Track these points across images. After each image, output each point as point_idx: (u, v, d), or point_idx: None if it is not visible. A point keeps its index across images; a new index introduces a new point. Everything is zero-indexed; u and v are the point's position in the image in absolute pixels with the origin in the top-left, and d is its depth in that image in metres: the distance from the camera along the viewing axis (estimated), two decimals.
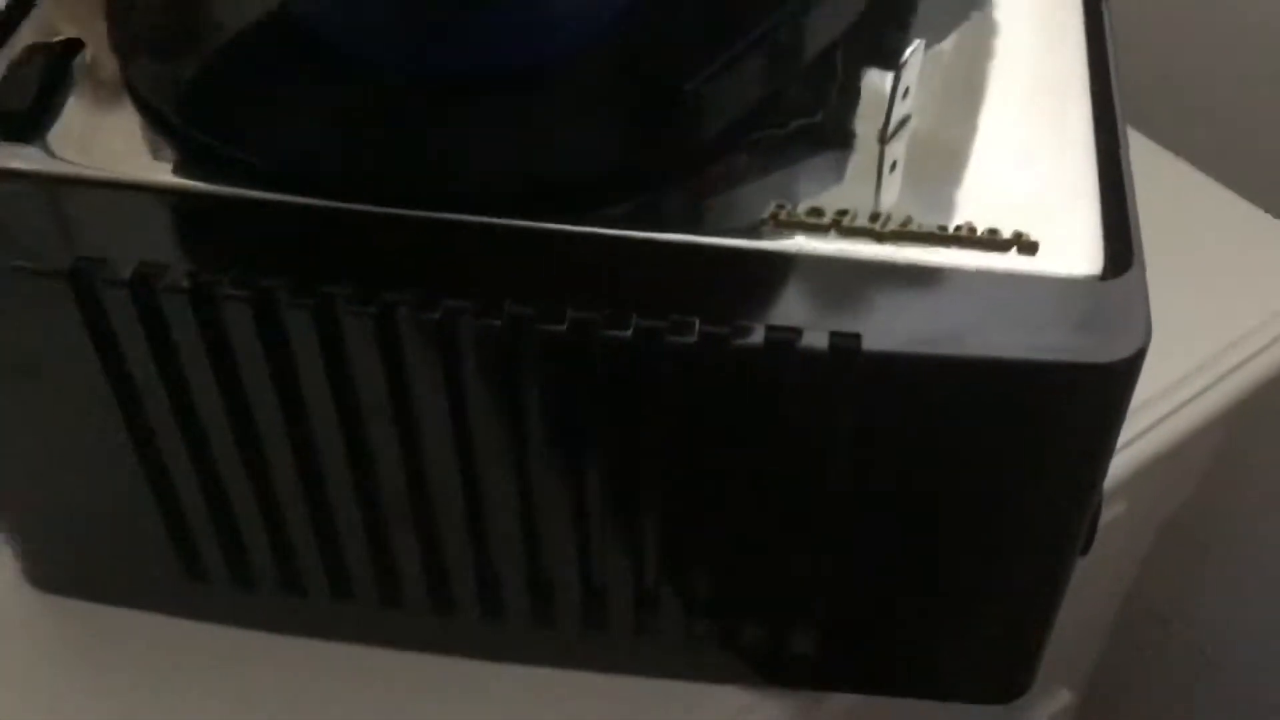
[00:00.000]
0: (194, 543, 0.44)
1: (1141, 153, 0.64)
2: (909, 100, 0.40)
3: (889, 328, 0.35)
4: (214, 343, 0.37)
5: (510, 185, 0.37)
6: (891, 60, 0.38)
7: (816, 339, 0.34)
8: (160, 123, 0.38)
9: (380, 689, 0.47)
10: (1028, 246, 0.37)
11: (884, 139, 0.40)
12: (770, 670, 0.45)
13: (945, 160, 0.39)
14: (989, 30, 0.43)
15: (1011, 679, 0.45)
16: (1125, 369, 0.34)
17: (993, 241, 0.37)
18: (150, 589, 0.47)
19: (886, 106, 0.39)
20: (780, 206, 0.38)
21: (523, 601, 0.43)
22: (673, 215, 0.38)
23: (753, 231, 0.37)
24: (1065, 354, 0.34)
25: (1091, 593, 0.71)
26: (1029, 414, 0.36)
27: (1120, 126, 0.39)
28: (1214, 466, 0.78)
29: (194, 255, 0.37)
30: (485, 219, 0.37)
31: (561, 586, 0.42)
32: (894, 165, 0.40)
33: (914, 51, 0.38)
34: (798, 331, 0.35)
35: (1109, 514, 0.61)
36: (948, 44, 0.43)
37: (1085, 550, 0.43)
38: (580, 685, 0.46)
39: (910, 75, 0.39)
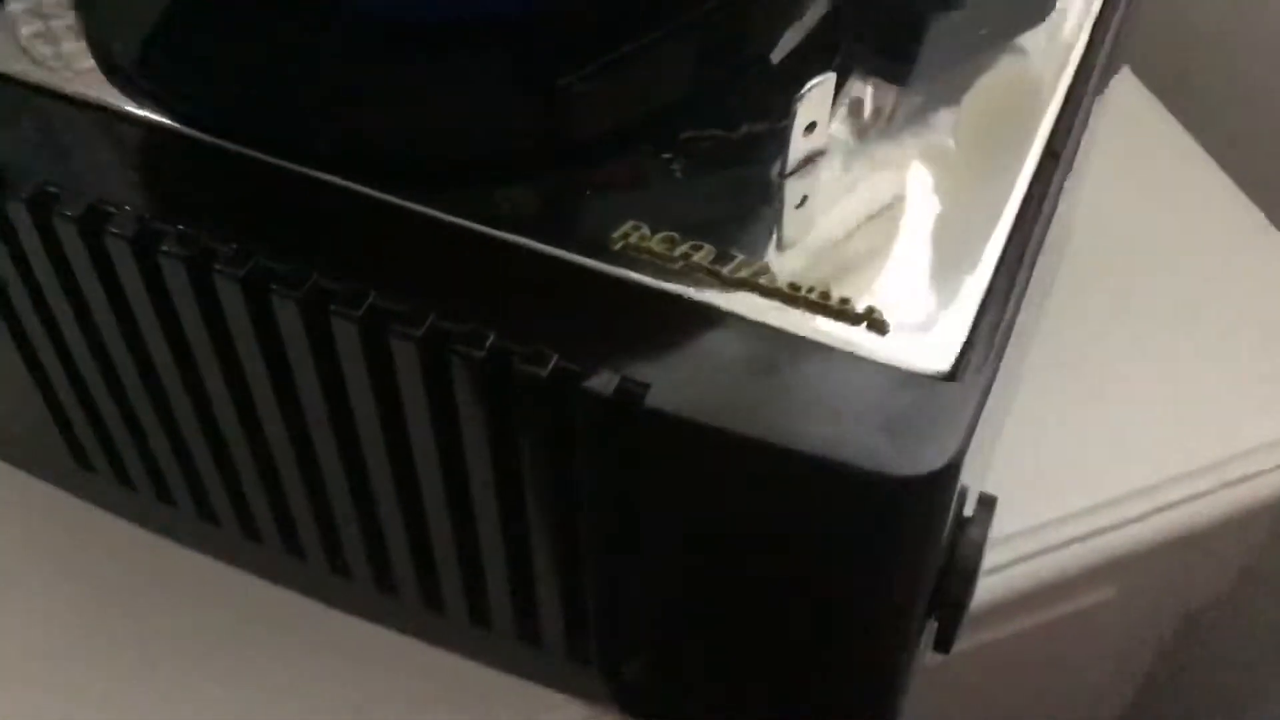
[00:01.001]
0: (81, 442, 0.45)
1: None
2: (819, 136, 0.36)
3: (687, 384, 0.32)
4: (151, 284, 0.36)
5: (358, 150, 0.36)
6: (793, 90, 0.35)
7: (603, 382, 0.32)
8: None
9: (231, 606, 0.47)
10: (877, 325, 0.33)
11: (782, 173, 0.36)
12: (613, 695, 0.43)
13: (835, 216, 0.36)
14: (954, 91, 0.39)
15: None
16: (924, 484, 0.31)
17: (841, 311, 0.33)
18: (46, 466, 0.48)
19: (785, 138, 0.36)
20: (635, 228, 0.35)
21: (363, 568, 0.42)
22: (519, 214, 0.35)
23: (590, 248, 0.34)
24: (862, 456, 0.31)
25: (1085, 677, 0.66)
26: (817, 510, 0.33)
27: (1032, 244, 0.35)
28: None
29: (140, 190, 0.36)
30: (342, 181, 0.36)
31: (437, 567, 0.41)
32: (801, 202, 0.37)
33: (819, 84, 0.35)
34: (586, 371, 0.32)
35: (1095, 597, 0.57)
36: (912, 93, 0.39)
37: (943, 649, 0.40)
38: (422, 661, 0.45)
39: (815, 110, 0.35)
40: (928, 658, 0.40)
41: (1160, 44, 0.72)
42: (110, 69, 0.38)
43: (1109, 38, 0.41)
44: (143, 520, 0.48)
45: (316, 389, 0.35)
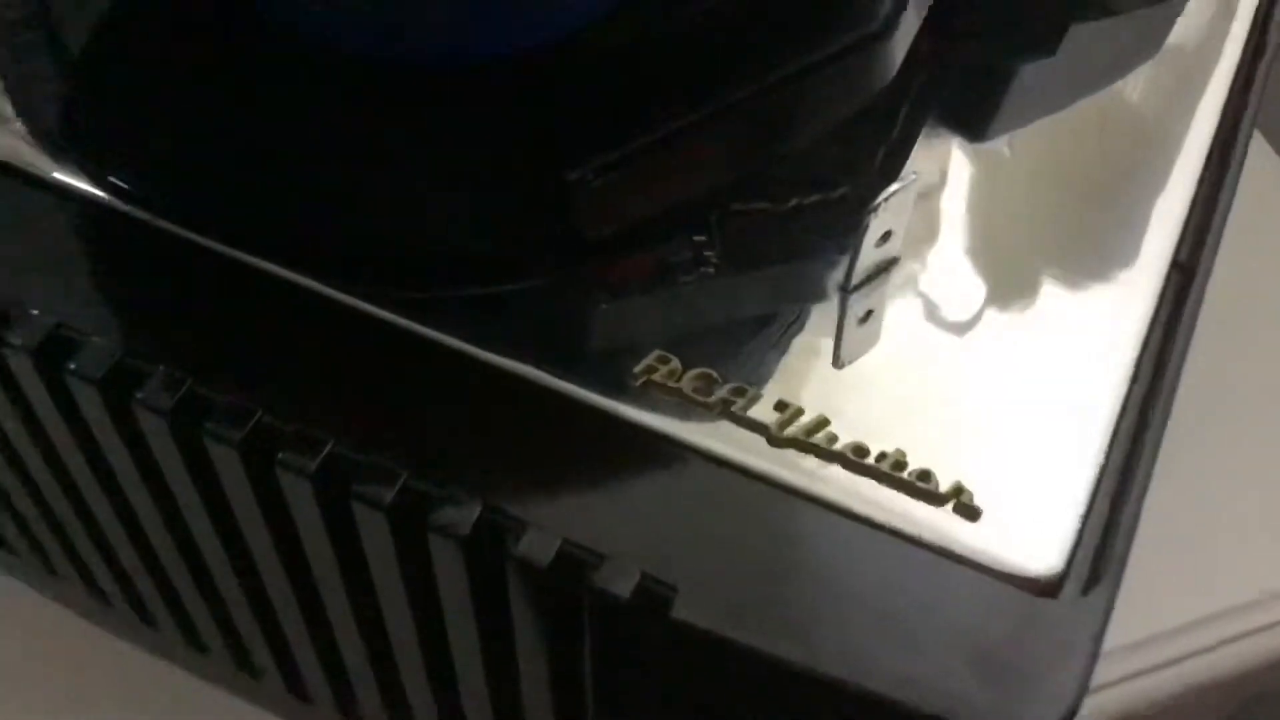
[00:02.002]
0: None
1: None
2: (894, 244, 0.29)
3: (723, 586, 0.25)
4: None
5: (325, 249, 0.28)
6: (865, 194, 0.28)
7: (620, 579, 0.25)
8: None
9: None
10: (967, 509, 0.26)
11: (847, 287, 0.29)
12: None
13: (904, 343, 0.28)
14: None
15: None
16: None
17: (922, 489, 0.26)
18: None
19: (855, 248, 0.28)
20: (663, 361, 0.28)
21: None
22: (517, 334, 0.28)
23: (604, 382, 0.27)
24: (946, 706, 0.24)
25: None
26: None
27: (1163, 394, 0.27)
28: None
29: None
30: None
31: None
32: (866, 316, 0.29)
33: (900, 191, 0.27)
34: (598, 560, 0.25)
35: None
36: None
37: None
38: None
39: (891, 218, 0.28)
40: None
41: None
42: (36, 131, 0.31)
43: (1248, 113, 0.33)
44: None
45: (264, 535, 0.29)
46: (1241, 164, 0.33)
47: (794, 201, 0.31)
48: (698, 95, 0.28)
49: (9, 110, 0.31)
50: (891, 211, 0.28)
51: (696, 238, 0.30)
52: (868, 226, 0.27)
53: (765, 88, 0.28)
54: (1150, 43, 0.36)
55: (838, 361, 0.29)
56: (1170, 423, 0.43)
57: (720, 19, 0.29)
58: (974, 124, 0.34)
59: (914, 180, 0.28)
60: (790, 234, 0.31)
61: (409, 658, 0.30)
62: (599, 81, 0.28)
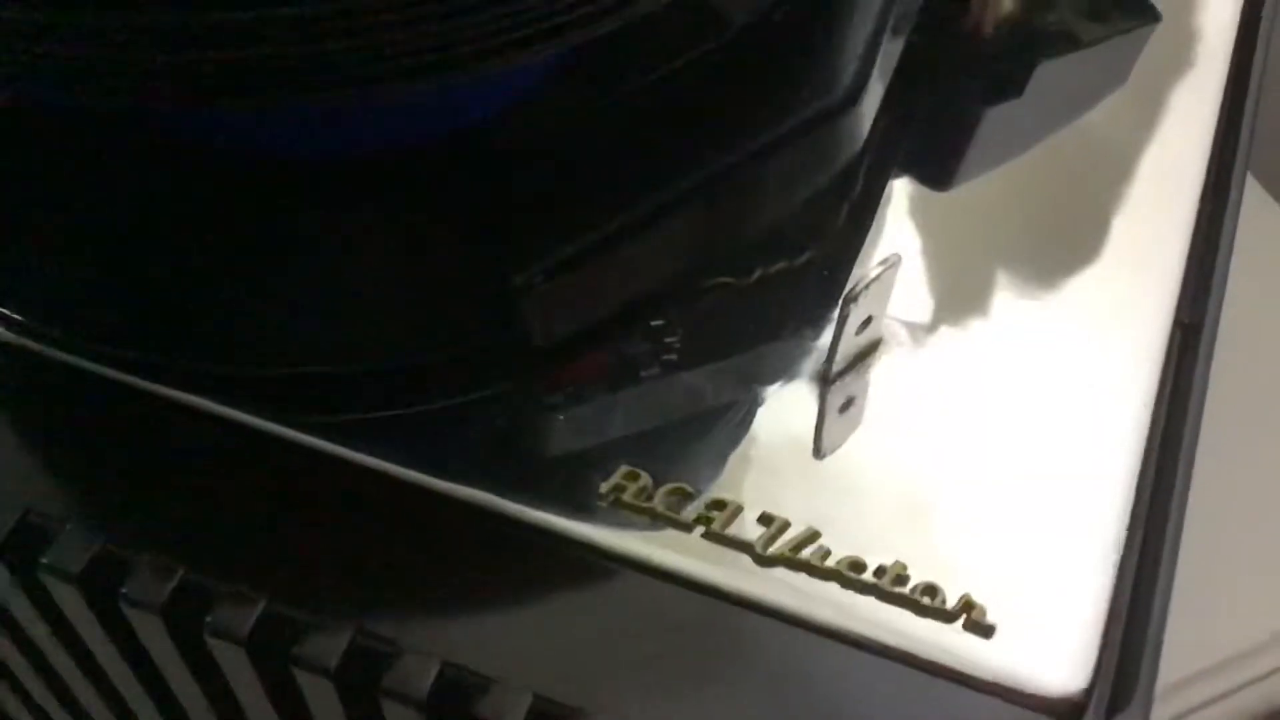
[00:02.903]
0: None
1: None
2: (875, 326, 0.26)
3: None
4: None
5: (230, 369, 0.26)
6: (833, 258, 0.25)
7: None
8: None
9: None
10: (979, 626, 0.23)
11: (827, 378, 0.26)
12: None
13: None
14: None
15: None
16: None
17: (927, 606, 0.24)
18: None
19: (835, 338, 0.26)
20: (632, 478, 0.25)
21: None
22: (465, 455, 0.25)
23: (568, 503, 0.25)
24: None
25: None
26: None
27: (1181, 474, 0.25)
28: None
29: None
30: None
31: None
32: (848, 404, 0.27)
33: (879, 276, 0.25)
34: (562, 711, 0.22)
35: None
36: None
37: None
38: None
39: (872, 304, 0.25)
40: None
41: None
42: None
43: (1239, 153, 0.31)
44: None
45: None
46: (1238, 207, 0.30)
47: (758, 272, 0.29)
48: (648, 184, 0.25)
49: None
50: (872, 297, 0.25)
51: (654, 323, 0.28)
52: (847, 315, 0.25)
53: (720, 172, 0.25)
54: (1117, 72, 0.34)
55: (818, 453, 0.26)
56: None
57: (668, 96, 0.26)
58: (940, 171, 0.32)
59: (897, 262, 0.25)
60: (757, 311, 0.28)
61: None
62: (536, 173, 0.26)
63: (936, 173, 0.32)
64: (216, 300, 0.26)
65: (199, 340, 0.26)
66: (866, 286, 0.25)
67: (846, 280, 0.27)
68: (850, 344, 0.26)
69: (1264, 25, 0.34)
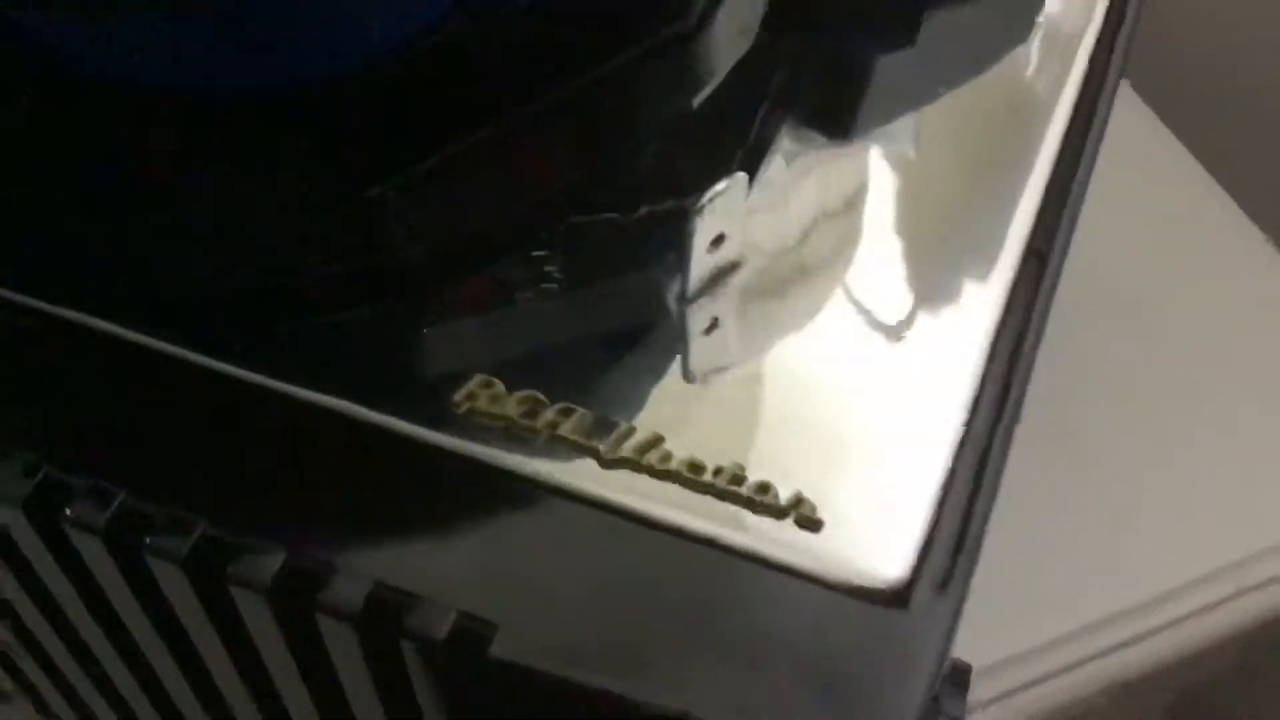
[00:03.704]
0: None
1: None
2: (731, 248, 0.27)
3: (546, 621, 0.23)
4: None
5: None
6: (689, 193, 0.26)
7: (435, 620, 0.23)
8: None
9: None
10: (809, 522, 0.24)
11: (684, 297, 0.28)
12: None
13: (756, 353, 0.27)
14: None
15: None
16: None
17: (761, 502, 0.25)
18: None
19: (685, 254, 0.27)
20: (486, 385, 0.26)
21: None
22: (330, 362, 0.26)
23: (424, 413, 0.26)
24: None
25: None
26: None
27: (1013, 393, 0.26)
28: None
29: None
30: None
31: None
32: (711, 327, 0.28)
33: (726, 190, 0.26)
34: (413, 601, 0.23)
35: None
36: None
37: None
38: None
39: (723, 220, 0.27)
40: None
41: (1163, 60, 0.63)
42: None
43: (1107, 90, 0.32)
44: None
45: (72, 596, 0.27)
46: (1097, 147, 0.31)
47: (644, 210, 0.30)
48: (499, 103, 0.26)
49: None
50: (720, 213, 0.26)
51: (536, 253, 0.29)
52: (694, 230, 0.26)
53: (570, 93, 0.27)
54: (1019, 27, 0.35)
55: (687, 376, 0.27)
56: (1053, 421, 0.41)
57: (523, 25, 0.27)
58: (837, 122, 0.33)
59: (741, 180, 0.26)
60: (639, 245, 0.29)
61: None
62: (399, 98, 0.27)
63: (832, 123, 0.33)
64: (100, 225, 0.27)
65: (91, 264, 0.28)
66: (712, 200, 0.26)
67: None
68: (703, 262, 0.27)
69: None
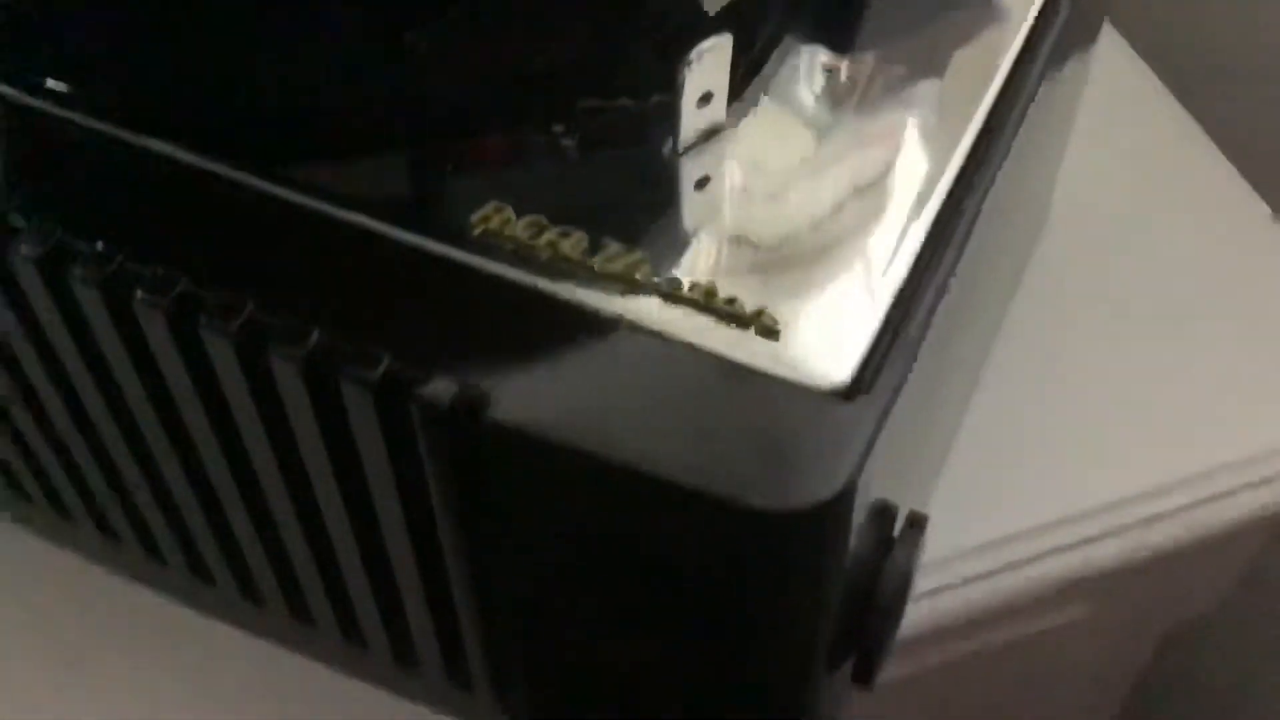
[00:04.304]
0: None
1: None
2: (716, 108, 0.32)
3: (537, 394, 0.27)
4: None
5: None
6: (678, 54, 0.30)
7: (440, 390, 0.27)
8: None
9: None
10: (767, 330, 0.28)
11: (675, 150, 0.32)
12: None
13: (744, 207, 0.31)
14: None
15: None
16: (809, 520, 0.26)
17: (727, 312, 0.29)
18: None
19: (677, 108, 0.31)
20: (498, 210, 0.30)
21: (228, 578, 0.38)
22: (368, 193, 0.31)
23: (445, 233, 0.30)
24: (735, 486, 0.26)
25: (1061, 698, 0.62)
26: (691, 543, 0.28)
27: (956, 239, 0.30)
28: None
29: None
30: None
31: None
32: (703, 183, 0.32)
33: (712, 48, 0.30)
34: (422, 376, 0.27)
35: (1066, 615, 0.52)
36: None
37: (863, 681, 0.35)
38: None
39: (710, 78, 0.31)
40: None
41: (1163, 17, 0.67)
42: None
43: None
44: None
45: (132, 375, 0.31)
46: (1062, 50, 0.35)
47: (655, 99, 0.34)
48: None
49: None
50: (707, 70, 0.30)
51: (556, 127, 0.33)
52: (684, 82, 0.30)
53: None
54: None
55: (678, 221, 0.31)
56: (1036, 332, 0.45)
57: None
58: (839, 35, 0.36)
59: (726, 40, 0.30)
60: (645, 123, 0.33)
61: (276, 490, 0.32)
62: None
63: (837, 37, 0.36)
64: (173, 51, 0.32)
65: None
66: (700, 57, 0.30)
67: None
68: (693, 118, 0.31)
69: None
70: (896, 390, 0.28)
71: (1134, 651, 0.60)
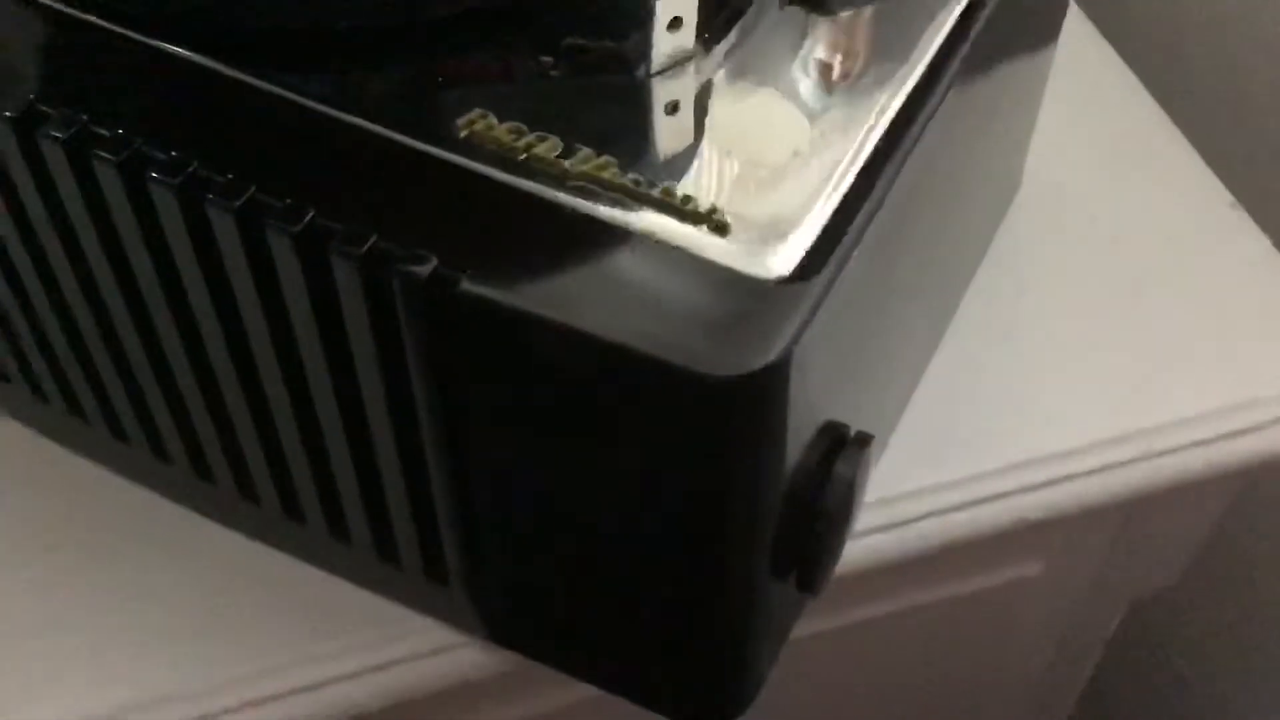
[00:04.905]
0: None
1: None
2: (686, 35, 0.35)
3: (507, 271, 0.30)
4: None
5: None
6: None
7: (421, 265, 0.30)
8: None
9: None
10: (719, 226, 0.32)
11: (647, 72, 0.35)
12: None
13: (712, 132, 0.34)
14: None
15: (712, 701, 0.40)
16: (744, 386, 0.29)
17: (682, 210, 0.32)
18: None
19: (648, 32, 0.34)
20: (482, 116, 0.33)
21: (223, 469, 0.41)
22: (368, 97, 0.34)
23: (434, 136, 0.33)
24: (678, 352, 0.29)
25: (1024, 661, 0.64)
26: (639, 413, 0.31)
27: (896, 158, 0.33)
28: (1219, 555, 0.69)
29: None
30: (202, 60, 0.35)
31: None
32: (674, 108, 0.35)
33: None
34: (405, 254, 0.30)
35: (1013, 572, 0.55)
36: None
37: (807, 589, 0.38)
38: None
39: (677, 4, 0.34)
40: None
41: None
42: None
43: None
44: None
45: (143, 252, 0.34)
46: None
47: (634, 38, 0.37)
48: None
49: None
50: None
51: (544, 58, 0.36)
52: (654, 8, 0.33)
53: None
54: None
55: (649, 141, 0.34)
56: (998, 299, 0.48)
57: None
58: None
59: None
60: (626, 56, 0.36)
61: (270, 373, 0.35)
62: None
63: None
64: None
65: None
66: None
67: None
68: (664, 41, 0.34)
69: None
70: (830, 284, 0.31)
71: (1097, 619, 0.63)
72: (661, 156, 0.33)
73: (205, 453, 0.41)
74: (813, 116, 0.34)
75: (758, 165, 0.33)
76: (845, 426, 0.37)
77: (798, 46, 0.37)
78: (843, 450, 0.36)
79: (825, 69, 0.36)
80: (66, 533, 0.46)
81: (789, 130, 0.34)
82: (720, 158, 0.33)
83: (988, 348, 0.51)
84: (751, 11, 0.37)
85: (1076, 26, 0.61)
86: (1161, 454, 0.50)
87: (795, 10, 0.37)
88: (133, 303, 0.36)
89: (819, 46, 0.37)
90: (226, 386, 0.37)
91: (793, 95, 0.35)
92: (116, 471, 0.46)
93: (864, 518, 0.46)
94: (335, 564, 0.43)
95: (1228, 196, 0.57)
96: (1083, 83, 0.58)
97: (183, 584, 0.44)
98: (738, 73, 0.35)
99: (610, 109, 0.34)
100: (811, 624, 0.44)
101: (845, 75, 0.36)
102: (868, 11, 0.38)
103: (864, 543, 0.47)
